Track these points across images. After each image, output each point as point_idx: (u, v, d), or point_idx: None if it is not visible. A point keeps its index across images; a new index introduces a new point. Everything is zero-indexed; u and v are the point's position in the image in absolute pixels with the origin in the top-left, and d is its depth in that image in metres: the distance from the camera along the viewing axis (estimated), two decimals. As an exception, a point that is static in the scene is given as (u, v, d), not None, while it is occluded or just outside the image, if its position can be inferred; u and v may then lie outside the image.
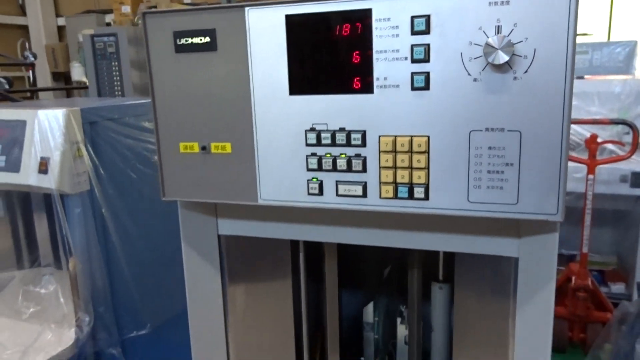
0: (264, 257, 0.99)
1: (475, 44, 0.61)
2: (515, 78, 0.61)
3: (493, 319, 0.83)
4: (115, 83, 3.08)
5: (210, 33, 0.71)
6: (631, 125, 2.59)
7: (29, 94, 4.88)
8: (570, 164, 2.82)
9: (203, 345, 0.95)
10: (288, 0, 0.68)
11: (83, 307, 1.66)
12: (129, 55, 2.96)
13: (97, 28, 6.31)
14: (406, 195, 0.67)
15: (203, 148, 0.75)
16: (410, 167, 0.67)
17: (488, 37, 0.60)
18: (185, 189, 0.78)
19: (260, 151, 0.73)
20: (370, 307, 1.14)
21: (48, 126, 1.66)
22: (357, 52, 0.67)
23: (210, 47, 0.71)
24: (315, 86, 0.69)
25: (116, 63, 3.03)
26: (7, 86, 3.23)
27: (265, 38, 0.70)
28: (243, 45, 0.71)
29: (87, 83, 6.98)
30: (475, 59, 0.61)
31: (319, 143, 0.70)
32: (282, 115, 0.71)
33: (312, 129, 0.70)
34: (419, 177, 0.66)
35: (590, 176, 2.68)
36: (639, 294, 2.86)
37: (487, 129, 0.63)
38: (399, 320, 1.14)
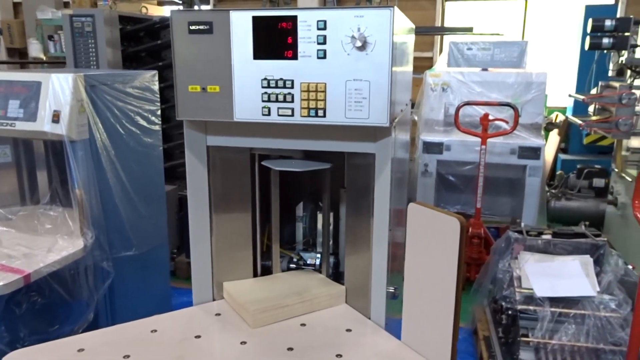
0: (234, 167, 1.57)
1: (347, 36, 1.22)
2: (367, 54, 1.22)
3: (367, 206, 1.45)
4: (91, 58, 3.50)
5: (210, 24, 1.28)
6: (513, 107, 3.30)
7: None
8: (472, 139, 3.72)
9: (196, 219, 1.53)
10: (254, 8, 1.26)
11: (86, 225, 2.17)
12: (105, 34, 3.37)
13: (55, 7, 6.52)
14: (314, 114, 1.28)
15: (203, 89, 1.32)
16: (316, 99, 1.27)
17: (353, 33, 1.21)
18: (191, 112, 1.35)
19: (236, 91, 1.31)
20: (300, 205, 1.75)
21: (60, 86, 2.15)
22: (290, 37, 1.26)
23: (209, 31, 1.29)
24: (268, 55, 1.28)
25: (92, 41, 3.44)
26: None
27: (241, 28, 1.28)
28: (227, 32, 1.28)
29: (45, 59, 7.18)
30: (347, 43, 1.22)
31: (268, 86, 1.29)
32: (248, 70, 1.30)
33: (265, 79, 1.29)
34: (320, 104, 1.27)
35: (483, 147, 3.36)
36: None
37: (354, 80, 1.24)
38: (319, 215, 1.75)
